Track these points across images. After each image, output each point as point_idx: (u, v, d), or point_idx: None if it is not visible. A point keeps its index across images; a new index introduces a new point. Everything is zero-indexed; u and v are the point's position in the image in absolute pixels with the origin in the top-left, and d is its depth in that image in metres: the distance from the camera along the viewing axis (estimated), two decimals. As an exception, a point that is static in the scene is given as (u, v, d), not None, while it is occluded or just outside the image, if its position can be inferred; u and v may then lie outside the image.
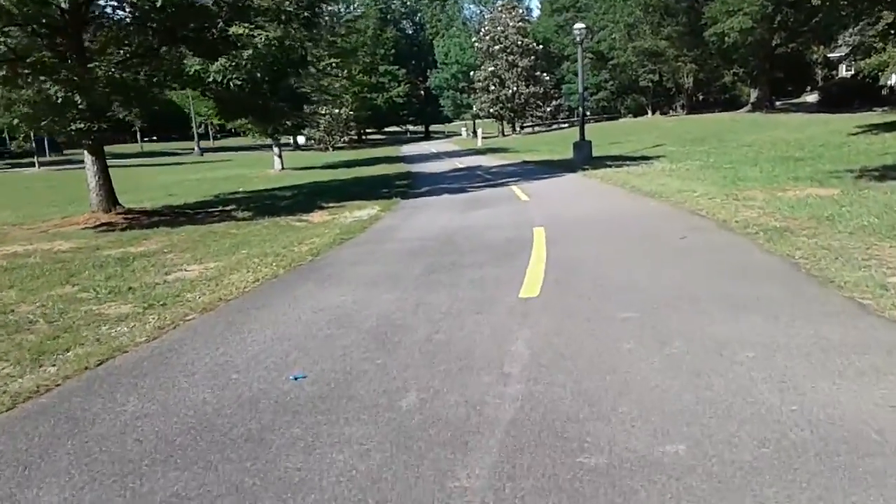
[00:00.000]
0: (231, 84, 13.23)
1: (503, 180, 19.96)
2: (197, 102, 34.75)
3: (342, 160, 40.65)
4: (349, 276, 7.10)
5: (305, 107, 16.65)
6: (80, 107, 12.73)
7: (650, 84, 77.69)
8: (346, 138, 60.44)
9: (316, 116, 34.73)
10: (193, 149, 56.29)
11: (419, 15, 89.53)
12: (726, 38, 50.46)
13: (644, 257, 7.04)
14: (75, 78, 12.03)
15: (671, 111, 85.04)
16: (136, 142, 72.25)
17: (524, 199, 14.09)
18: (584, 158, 27.20)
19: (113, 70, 13.26)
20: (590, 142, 28.11)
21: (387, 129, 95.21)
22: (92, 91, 12.11)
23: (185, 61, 13.51)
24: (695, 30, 52.73)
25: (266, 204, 17.13)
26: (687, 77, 72.47)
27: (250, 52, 13.40)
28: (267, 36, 13.32)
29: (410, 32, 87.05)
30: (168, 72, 13.63)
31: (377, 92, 72.31)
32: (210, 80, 13.05)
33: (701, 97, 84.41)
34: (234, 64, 13.05)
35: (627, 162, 23.66)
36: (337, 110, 57.60)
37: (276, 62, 14.12)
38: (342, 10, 33.44)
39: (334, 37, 32.38)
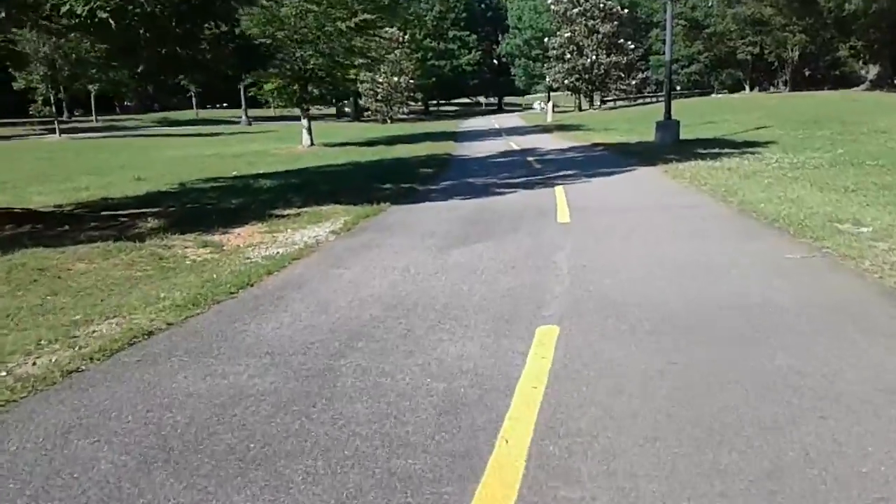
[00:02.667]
0: (104, 19, 8.30)
1: (552, 175, 14.52)
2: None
3: (389, 135, 35.71)
4: None
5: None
6: None
7: (749, 57, 69.36)
8: (405, 110, 55.29)
9: (347, 83, 29.74)
10: (241, 118, 52.38)
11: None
12: (846, 6, 42.76)
13: None
14: None
15: (772, 87, 76.32)
16: (204, 108, 69.54)
17: (563, 220, 8.69)
18: (669, 143, 21.45)
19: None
20: (677, 122, 22.37)
21: (460, 101, 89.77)
22: None
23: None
24: (808, -7, 45.06)
25: (210, 204, 12.30)
26: (792, 50, 63.91)
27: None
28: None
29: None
30: (11, 3, 8.79)
31: (445, 59, 66.96)
32: (66, 9, 8.13)
33: (807, 73, 75.47)
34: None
35: (726, 150, 17.83)
36: (396, 78, 52.63)
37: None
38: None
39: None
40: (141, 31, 9.19)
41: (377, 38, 28.50)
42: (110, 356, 4.29)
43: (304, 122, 28.81)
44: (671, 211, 8.88)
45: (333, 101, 50.12)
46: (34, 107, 40.13)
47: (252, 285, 6.06)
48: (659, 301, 4.85)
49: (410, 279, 5.95)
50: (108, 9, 8.18)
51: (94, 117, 57.05)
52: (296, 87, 27.45)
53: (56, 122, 37.45)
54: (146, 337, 4.67)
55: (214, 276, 6.46)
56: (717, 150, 17.90)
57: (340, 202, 11.54)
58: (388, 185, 13.72)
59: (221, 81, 14.41)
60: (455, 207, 10.42)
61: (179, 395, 3.60)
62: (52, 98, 38.08)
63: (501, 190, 12.47)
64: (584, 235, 7.52)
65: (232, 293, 5.77)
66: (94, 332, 4.82)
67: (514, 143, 26.92)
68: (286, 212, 10.81)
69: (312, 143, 28.54)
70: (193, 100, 66.88)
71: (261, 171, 18.90)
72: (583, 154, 20.19)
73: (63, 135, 36.51)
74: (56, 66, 33.61)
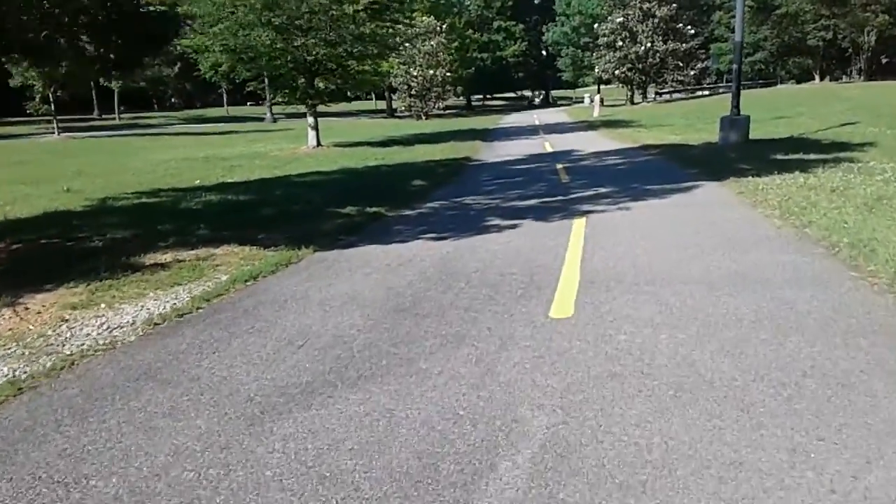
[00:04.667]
0: None
1: (579, 194, 10.56)
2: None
3: (414, 133, 31.98)
4: None
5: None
6: None
7: (820, 43, 63.33)
8: (441, 105, 51.39)
9: (362, 77, 26.03)
10: (265, 115, 49.21)
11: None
12: (944, -23, 37.04)
13: None
14: None
15: (844, 77, 69.93)
16: (245, 104, 66.73)
17: (559, 312, 4.65)
18: (737, 143, 17.25)
19: None
20: (747, 117, 18.18)
21: (506, 95, 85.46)
22: None
23: None
24: (897, -34, 39.45)
25: (78, 238, 8.64)
26: (869, 35, 57.78)
27: None
28: None
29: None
30: None
31: (488, 52, 62.81)
32: None
33: (884, 61, 68.99)
34: None
35: (813, 155, 13.65)
36: (431, 71, 48.83)
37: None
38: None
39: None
40: None
41: (395, 25, 24.61)
42: None
43: (310, 120, 25.15)
44: (767, 294, 4.77)
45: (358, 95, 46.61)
46: (31, 105, 37.54)
47: None
48: None
49: None
50: None
51: (116, 115, 54.73)
52: (301, 80, 23.84)
53: (55, 120, 34.61)
54: None
55: None
56: (801, 156, 13.64)
57: (257, 239, 7.88)
58: (349, 210, 9.93)
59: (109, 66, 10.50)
60: (405, 261, 6.52)
61: None
62: (50, 95, 35.22)
63: (497, 222, 8.53)
64: (588, 375, 3.53)
65: None
66: None
67: (550, 143, 22.86)
68: (159, 258, 7.16)
69: (319, 144, 24.94)
70: (224, 96, 64.11)
71: (229, 181, 15.46)
72: (627, 160, 16.03)
73: (65, 133, 33.71)
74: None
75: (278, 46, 22.33)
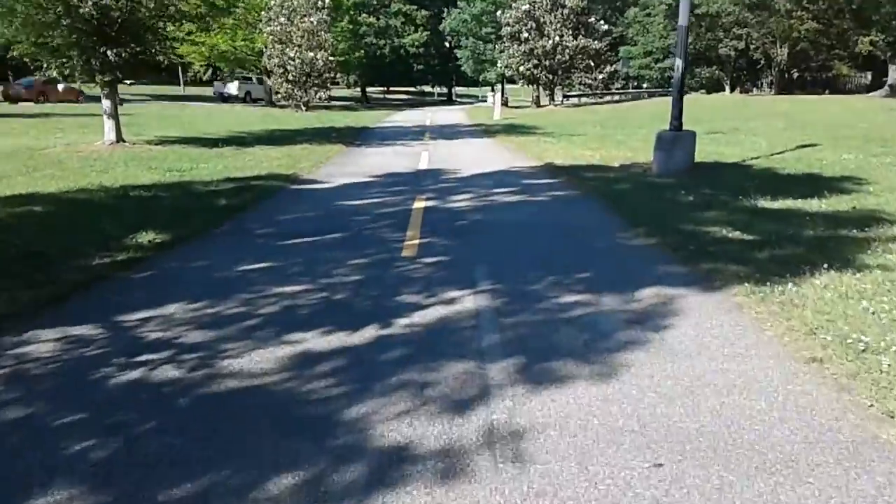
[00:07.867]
0: None
1: (413, 316, 4.39)
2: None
3: (270, 129, 25.37)
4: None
5: None
6: None
7: (732, 53, 60.31)
8: (323, 94, 44.42)
9: (167, 46, 19.08)
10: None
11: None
12: (879, -18, 33.46)
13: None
14: None
15: (755, 89, 67.60)
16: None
17: None
18: (682, 173, 11.74)
19: None
20: (692, 134, 12.78)
21: (410, 90, 79.11)
22: None
23: None
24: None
25: None
26: (781, 48, 55.00)
27: None
28: None
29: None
30: None
31: (385, 38, 56.29)
32: None
33: (795, 75, 66.99)
34: None
35: (816, 203, 8.30)
36: (311, 54, 41.92)
37: None
38: None
39: None
40: None
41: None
42: None
43: (105, 104, 18.09)
44: None
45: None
46: None
47: None
48: None
49: None
50: None
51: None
52: (77, 48, 16.71)
53: None
54: None
55: None
56: (799, 205, 8.28)
57: None
58: None
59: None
60: None
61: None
62: None
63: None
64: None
65: None
66: None
67: (430, 153, 16.90)
68: None
69: (120, 139, 17.97)
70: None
71: None
72: (527, 199, 10.08)
73: None
74: None
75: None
